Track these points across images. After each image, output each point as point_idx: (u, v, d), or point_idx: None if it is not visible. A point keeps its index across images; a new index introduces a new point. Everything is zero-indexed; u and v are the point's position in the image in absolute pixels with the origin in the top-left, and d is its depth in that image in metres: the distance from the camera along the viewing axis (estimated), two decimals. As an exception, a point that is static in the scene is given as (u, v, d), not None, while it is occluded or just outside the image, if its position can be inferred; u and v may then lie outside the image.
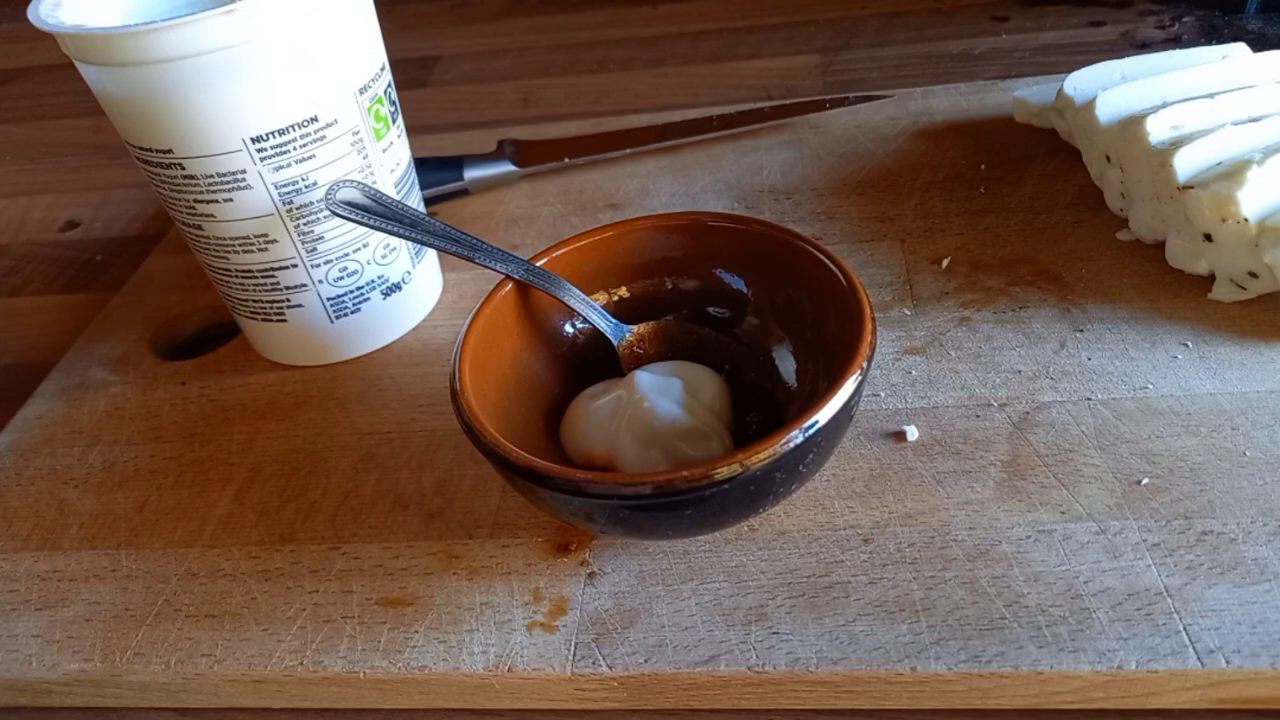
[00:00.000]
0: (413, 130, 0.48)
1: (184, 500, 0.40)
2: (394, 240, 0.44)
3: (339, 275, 0.43)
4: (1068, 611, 0.30)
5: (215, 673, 0.33)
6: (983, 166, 0.50)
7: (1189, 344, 0.38)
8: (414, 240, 0.37)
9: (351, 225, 0.42)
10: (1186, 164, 0.39)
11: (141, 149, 0.39)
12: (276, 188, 0.40)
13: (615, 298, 0.40)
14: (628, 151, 0.57)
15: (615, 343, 0.39)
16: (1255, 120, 0.40)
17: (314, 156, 0.40)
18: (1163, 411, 0.36)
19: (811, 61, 0.68)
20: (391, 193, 0.44)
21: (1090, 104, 0.45)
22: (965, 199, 0.48)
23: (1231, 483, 0.33)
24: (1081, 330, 0.40)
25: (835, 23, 0.73)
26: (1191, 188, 0.38)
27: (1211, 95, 0.42)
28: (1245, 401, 0.35)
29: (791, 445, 0.28)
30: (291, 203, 0.40)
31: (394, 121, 0.44)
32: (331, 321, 0.44)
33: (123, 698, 0.35)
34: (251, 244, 0.41)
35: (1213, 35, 0.61)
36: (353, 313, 0.45)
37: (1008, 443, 0.36)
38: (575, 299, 0.38)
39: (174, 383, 0.47)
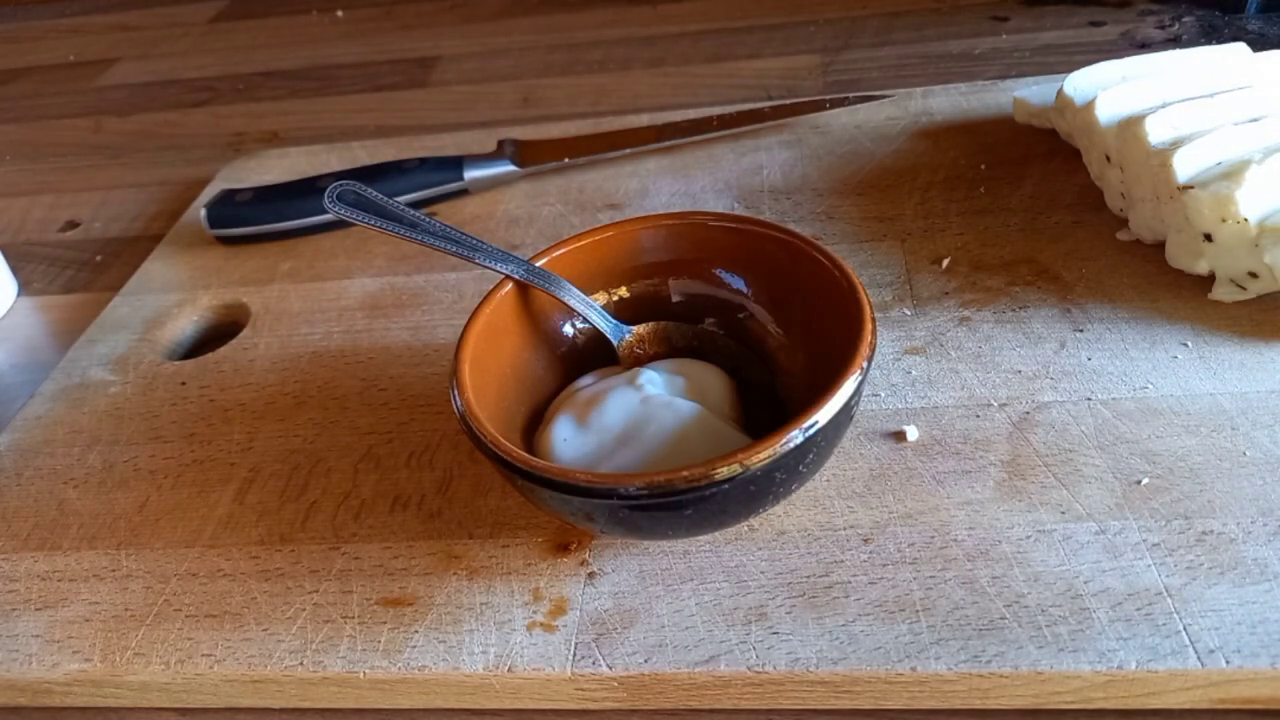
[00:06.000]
0: (413, 130, 0.48)
1: (184, 500, 0.40)
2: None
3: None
4: (1068, 611, 0.30)
5: (215, 673, 0.33)
6: (983, 166, 0.50)
7: (1189, 344, 0.38)
8: (414, 240, 0.37)
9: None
10: (1186, 164, 0.39)
11: None
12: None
13: (615, 298, 0.40)
14: (628, 151, 0.57)
15: (615, 343, 0.39)
16: (1255, 120, 0.40)
17: None
18: (1163, 411, 0.35)
19: (811, 61, 0.68)
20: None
21: (1090, 104, 0.45)
22: (965, 199, 0.48)
23: (1231, 483, 0.33)
24: (1081, 330, 0.40)
25: (835, 23, 0.73)
26: (1191, 188, 0.38)
27: (1211, 95, 0.42)
28: (1245, 401, 0.35)
29: (791, 445, 0.28)
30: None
31: None
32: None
33: (123, 698, 0.35)
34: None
35: (1213, 35, 0.61)
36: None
37: (1008, 443, 0.36)
38: (575, 299, 0.38)
39: (174, 383, 0.47)
